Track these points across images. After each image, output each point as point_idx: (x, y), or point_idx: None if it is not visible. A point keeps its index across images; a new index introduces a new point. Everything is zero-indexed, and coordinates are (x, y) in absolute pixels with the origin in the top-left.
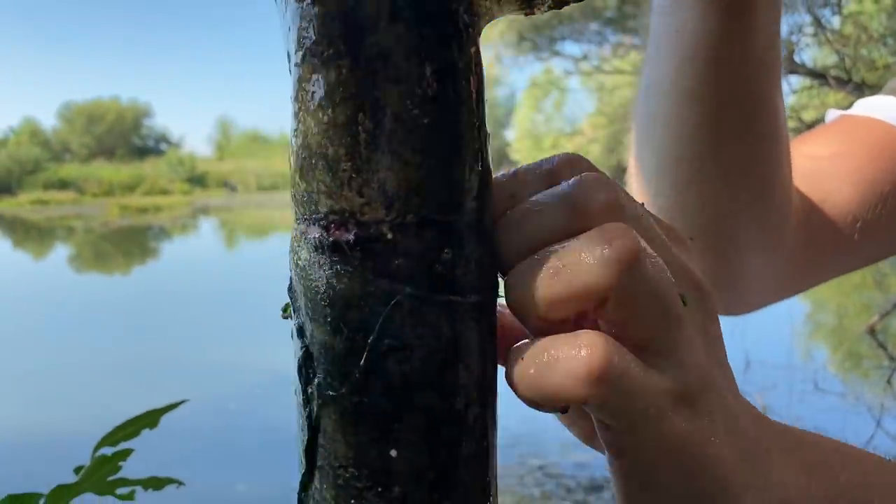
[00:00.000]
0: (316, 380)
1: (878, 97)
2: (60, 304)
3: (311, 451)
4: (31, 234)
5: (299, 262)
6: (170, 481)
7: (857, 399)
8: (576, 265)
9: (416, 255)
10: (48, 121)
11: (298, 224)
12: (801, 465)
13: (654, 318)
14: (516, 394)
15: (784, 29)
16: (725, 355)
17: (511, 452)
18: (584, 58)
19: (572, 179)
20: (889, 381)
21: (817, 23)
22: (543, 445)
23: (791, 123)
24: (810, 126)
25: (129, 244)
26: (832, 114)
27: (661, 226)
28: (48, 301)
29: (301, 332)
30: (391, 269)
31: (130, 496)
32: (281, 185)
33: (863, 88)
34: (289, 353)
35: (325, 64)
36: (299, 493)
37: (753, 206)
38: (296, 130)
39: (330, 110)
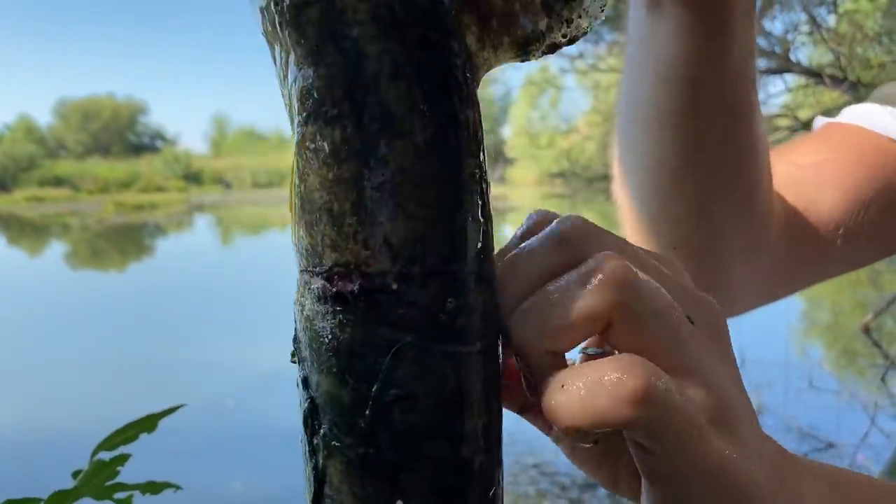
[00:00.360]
0: (322, 430)
1: (864, 105)
2: (56, 302)
3: (317, 502)
4: (27, 231)
5: (304, 312)
6: (167, 486)
7: (852, 397)
8: (571, 294)
9: (420, 306)
10: (43, 117)
11: (302, 275)
12: (832, 487)
13: (665, 339)
14: (557, 423)
15: (779, 27)
16: (738, 370)
17: (506, 451)
18: (580, 56)
19: (555, 221)
20: (883, 379)
21: (813, 21)
22: (538, 444)
23: (786, 122)
24: (806, 124)
25: (124, 241)
26: (819, 121)
27: (650, 254)
28: (43, 298)
29: (306, 382)
30: (395, 319)
31: (128, 501)
32: (276, 181)
33: (858, 87)
34: (285, 350)
35: (329, 123)
36: None
37: (735, 215)
38: (299, 186)
39: (335, 167)
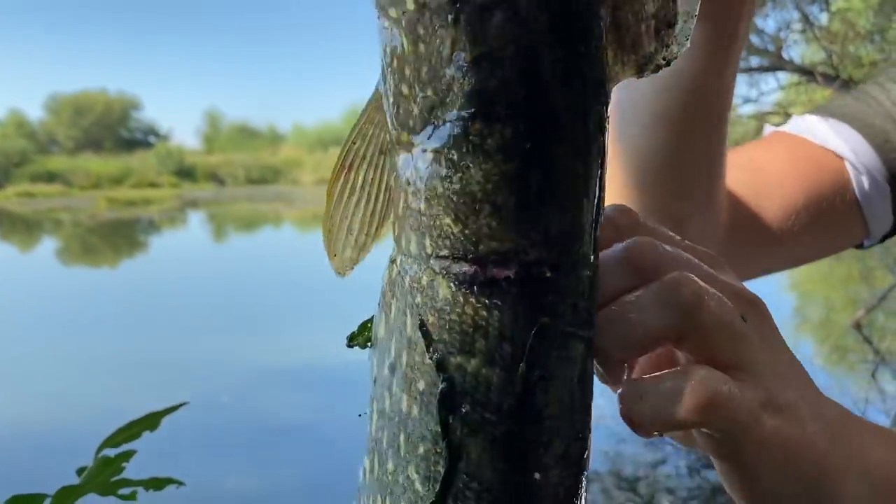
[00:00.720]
0: (463, 409)
1: (808, 116)
2: (47, 298)
3: (449, 479)
4: (18, 227)
5: (438, 297)
6: (170, 482)
7: (843, 392)
8: (650, 311)
9: (566, 293)
10: (34, 112)
11: (436, 261)
12: (892, 444)
13: (727, 344)
14: (637, 429)
15: (772, 25)
16: (790, 352)
17: None
18: None
19: (622, 245)
20: (873, 375)
21: (805, 19)
22: None
23: (778, 119)
24: None
25: (116, 237)
26: (768, 129)
27: (698, 255)
28: (35, 294)
29: (441, 367)
30: (545, 304)
31: (132, 497)
32: (270, 177)
33: (850, 85)
34: (279, 346)
35: (500, 121)
36: None
37: (701, 210)
38: (449, 178)
39: (503, 163)
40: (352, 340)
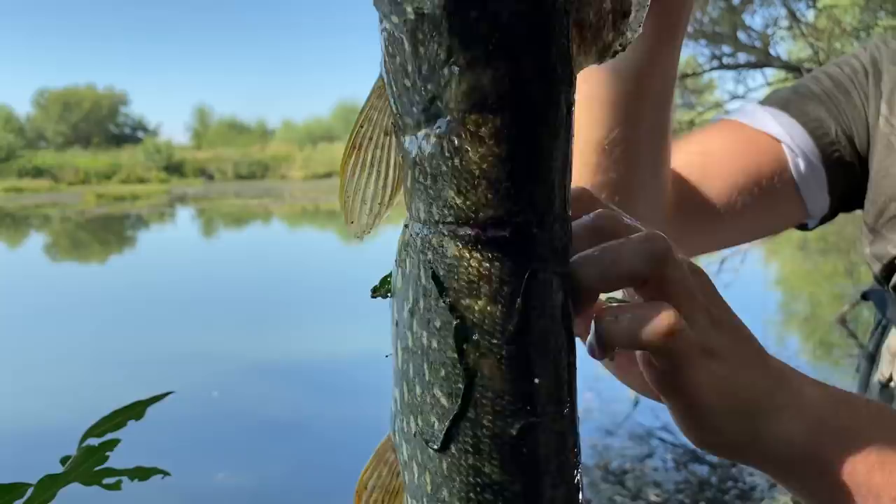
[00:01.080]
0: (474, 337)
1: (750, 104)
2: (35, 293)
3: (468, 392)
4: (6, 223)
5: (447, 255)
6: (156, 471)
7: None
8: (627, 255)
9: (548, 243)
10: (22, 107)
11: (444, 226)
12: (830, 395)
13: (681, 293)
14: (606, 343)
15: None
16: (735, 315)
17: None
18: None
19: (591, 214)
20: (858, 370)
21: (792, 16)
22: None
23: None
24: None
25: (105, 233)
26: (716, 116)
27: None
28: (23, 290)
29: (453, 308)
30: (534, 254)
31: (117, 486)
32: (259, 172)
33: None
34: (268, 341)
35: (492, 112)
36: (449, 428)
37: (647, 187)
38: (451, 159)
39: (495, 146)
40: (375, 292)
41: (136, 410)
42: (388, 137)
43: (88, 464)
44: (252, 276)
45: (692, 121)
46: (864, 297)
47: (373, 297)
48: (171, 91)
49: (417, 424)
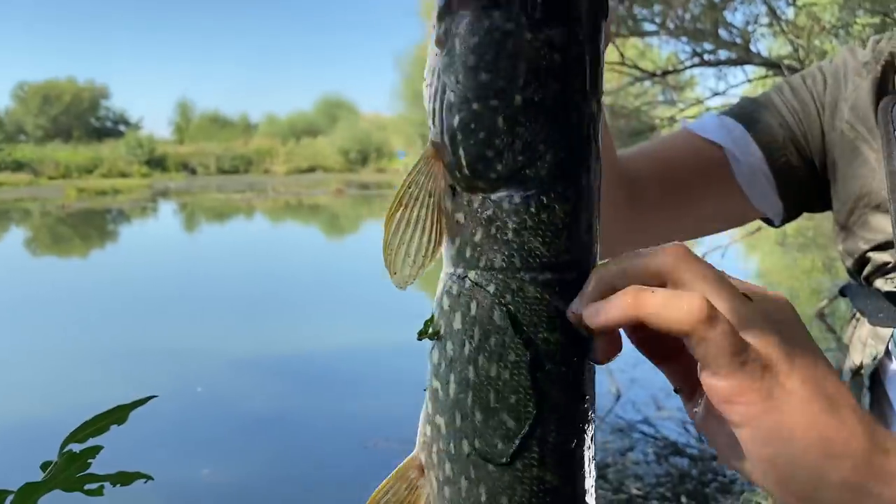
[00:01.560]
0: (548, 367)
1: (708, 113)
2: (16, 288)
3: (540, 414)
4: None
5: (526, 298)
6: (139, 476)
7: None
8: (647, 257)
9: (578, 281)
10: (1, 101)
11: (521, 273)
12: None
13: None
14: (637, 314)
15: (740, 18)
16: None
17: None
18: None
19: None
20: (837, 364)
21: (772, 13)
22: None
23: None
24: None
25: (86, 227)
26: (683, 123)
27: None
28: (3, 285)
29: (529, 342)
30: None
31: (99, 492)
32: (242, 167)
33: None
34: (252, 337)
35: (573, 178)
36: (518, 446)
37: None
38: (535, 213)
39: (576, 201)
40: (422, 335)
41: (118, 415)
42: (433, 199)
43: (70, 470)
44: (235, 271)
45: (673, 117)
46: (842, 293)
47: (419, 339)
48: (152, 85)
49: (474, 446)
